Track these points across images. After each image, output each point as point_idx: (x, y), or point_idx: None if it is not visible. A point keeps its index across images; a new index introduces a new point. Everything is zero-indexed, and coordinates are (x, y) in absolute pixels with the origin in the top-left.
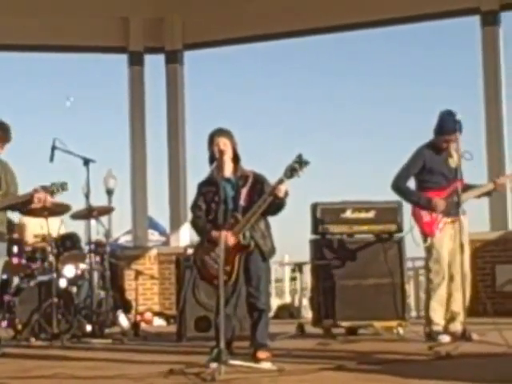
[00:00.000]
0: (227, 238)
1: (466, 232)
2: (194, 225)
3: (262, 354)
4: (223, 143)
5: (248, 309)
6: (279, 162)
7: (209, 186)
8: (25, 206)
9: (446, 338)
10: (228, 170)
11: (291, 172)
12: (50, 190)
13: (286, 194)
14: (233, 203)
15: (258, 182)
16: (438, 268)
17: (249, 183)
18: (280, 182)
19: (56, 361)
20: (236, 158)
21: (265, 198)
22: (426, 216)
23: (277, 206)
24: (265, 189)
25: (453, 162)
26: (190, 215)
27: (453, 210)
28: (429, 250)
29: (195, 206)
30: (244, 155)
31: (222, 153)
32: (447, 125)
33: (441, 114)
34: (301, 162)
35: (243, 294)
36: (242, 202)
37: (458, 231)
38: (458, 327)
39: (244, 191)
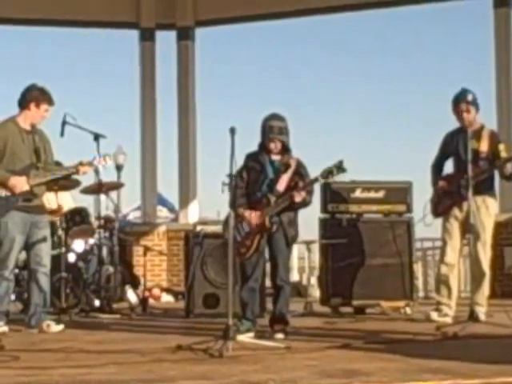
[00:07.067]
0: (252, 217)
1: (492, 213)
2: (234, 194)
3: (277, 327)
4: (279, 140)
5: (271, 285)
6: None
7: (254, 162)
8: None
9: (434, 315)
10: (275, 153)
11: (328, 174)
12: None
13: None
14: (270, 185)
15: (298, 172)
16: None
17: (290, 171)
18: (315, 180)
19: (64, 335)
20: (284, 147)
21: (299, 190)
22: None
23: (303, 204)
24: (300, 181)
25: (477, 145)
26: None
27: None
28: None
29: (238, 176)
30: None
31: (275, 148)
32: (454, 96)
33: None
34: (339, 168)
35: None
36: (279, 187)
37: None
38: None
39: (284, 178)
